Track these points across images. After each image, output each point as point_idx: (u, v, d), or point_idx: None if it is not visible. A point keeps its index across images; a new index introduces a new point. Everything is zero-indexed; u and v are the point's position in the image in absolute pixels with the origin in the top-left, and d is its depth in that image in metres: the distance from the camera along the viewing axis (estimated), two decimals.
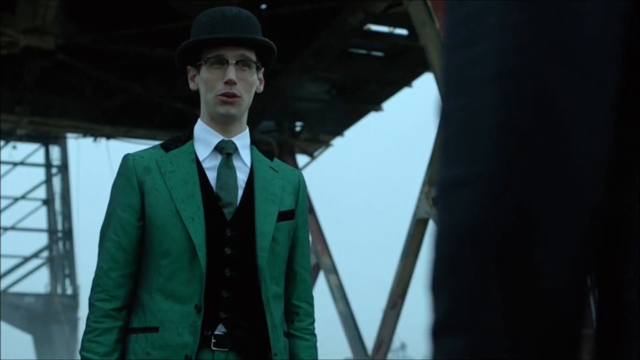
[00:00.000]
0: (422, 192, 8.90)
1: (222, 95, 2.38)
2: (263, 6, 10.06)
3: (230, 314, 2.33)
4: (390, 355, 10.65)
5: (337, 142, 12.85)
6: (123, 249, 2.36)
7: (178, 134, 2.55)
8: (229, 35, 2.37)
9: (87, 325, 2.36)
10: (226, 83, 2.37)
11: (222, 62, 2.39)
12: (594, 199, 0.72)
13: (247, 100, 2.42)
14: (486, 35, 0.72)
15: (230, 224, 2.37)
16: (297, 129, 12.58)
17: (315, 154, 12.79)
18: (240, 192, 2.41)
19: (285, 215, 2.44)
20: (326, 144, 12.79)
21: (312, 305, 2.55)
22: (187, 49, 2.43)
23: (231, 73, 2.37)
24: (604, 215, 0.73)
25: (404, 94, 11.67)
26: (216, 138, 2.44)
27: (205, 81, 2.41)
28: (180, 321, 2.29)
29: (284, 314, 2.46)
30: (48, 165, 27.59)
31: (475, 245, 0.70)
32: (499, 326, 0.69)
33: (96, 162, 18.81)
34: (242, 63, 2.39)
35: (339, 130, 12.60)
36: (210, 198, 2.37)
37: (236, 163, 2.44)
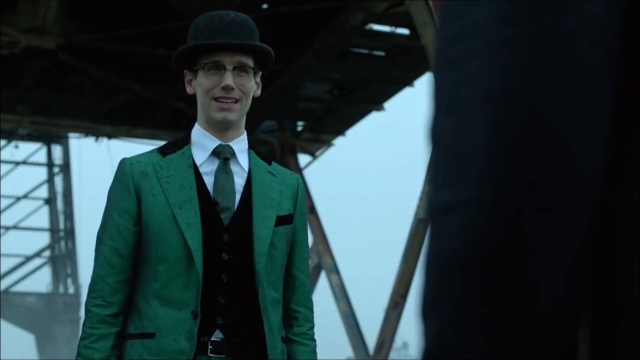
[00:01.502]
0: (423, 191, 8.88)
1: (220, 101, 2.37)
2: (264, 6, 10.06)
3: (227, 319, 2.31)
4: (392, 354, 10.65)
5: (338, 141, 12.87)
6: (119, 254, 2.35)
7: (176, 138, 2.54)
8: (226, 42, 2.35)
9: (83, 331, 2.35)
10: (223, 89, 2.36)
11: (220, 68, 2.37)
12: (588, 221, 0.70)
13: (245, 105, 2.41)
14: (475, 54, 0.70)
15: (227, 229, 2.35)
16: (299, 128, 12.58)
17: (317, 153, 12.80)
18: (237, 197, 2.39)
19: (283, 220, 2.42)
20: (328, 143, 12.80)
21: (311, 310, 2.53)
22: (184, 53, 2.41)
23: (228, 79, 2.35)
24: (601, 219, 0.72)
25: (405, 94, 11.66)
26: (213, 142, 2.42)
27: (202, 86, 2.39)
28: (177, 327, 2.28)
29: (283, 319, 2.44)
30: (50, 164, 27.63)
31: (462, 271, 0.69)
32: (486, 354, 0.68)
33: (98, 162, 18.85)
34: (240, 69, 2.38)
35: (340, 130, 12.61)
36: (207, 203, 2.35)
37: (234, 167, 2.43)
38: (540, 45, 0.69)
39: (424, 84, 11.15)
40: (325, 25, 9.85)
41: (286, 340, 2.43)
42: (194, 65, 2.40)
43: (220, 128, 2.41)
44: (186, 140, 2.45)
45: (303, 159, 12.62)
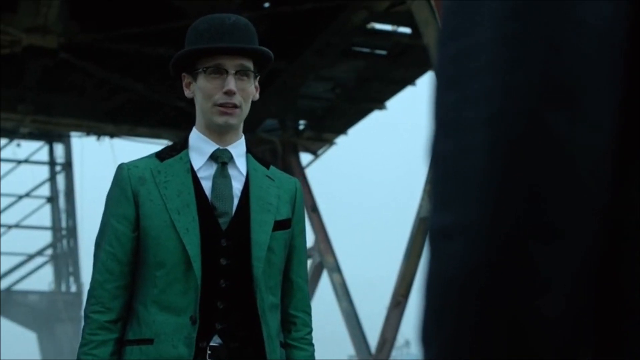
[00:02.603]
0: (425, 190, 8.87)
1: (221, 105, 2.35)
2: (266, 4, 10.05)
3: (226, 324, 2.31)
4: (394, 353, 10.67)
5: (340, 140, 12.85)
6: (118, 261, 2.34)
7: (174, 142, 2.53)
8: (230, 45, 2.33)
9: (83, 337, 2.34)
10: (226, 93, 2.34)
11: (221, 72, 2.35)
12: (593, 244, 0.69)
13: (245, 109, 2.40)
14: (476, 75, 0.69)
15: (225, 234, 2.35)
16: (301, 127, 12.57)
17: (319, 152, 12.79)
18: (235, 202, 2.38)
19: (281, 225, 2.41)
20: (330, 142, 12.79)
21: (309, 314, 2.52)
22: (184, 56, 2.39)
23: (231, 83, 2.34)
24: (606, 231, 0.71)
25: (407, 93, 11.64)
26: (211, 147, 2.41)
27: (203, 90, 2.37)
28: (175, 333, 2.27)
29: (281, 324, 2.43)
30: (52, 163, 27.61)
31: (460, 296, 0.68)
32: None
33: (100, 160, 18.82)
34: (241, 73, 2.36)
35: (342, 129, 12.60)
36: (205, 208, 2.34)
37: (231, 172, 2.41)
38: (541, 65, 0.68)
39: (425, 82, 11.14)
40: (326, 24, 9.84)
41: (284, 345, 2.43)
42: (194, 69, 2.39)
43: (220, 132, 2.40)
44: (184, 145, 2.44)
45: (305, 157, 12.61)
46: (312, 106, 12.10)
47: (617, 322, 0.73)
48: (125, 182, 2.35)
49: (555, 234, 0.67)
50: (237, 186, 2.40)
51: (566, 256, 0.68)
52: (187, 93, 2.45)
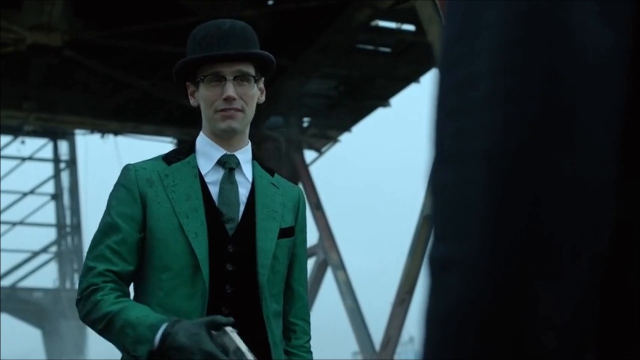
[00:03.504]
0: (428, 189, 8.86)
1: (222, 111, 2.35)
2: (270, 2, 10.05)
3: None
4: (398, 349, 10.66)
5: (344, 137, 12.85)
6: (121, 258, 2.32)
7: (180, 146, 2.52)
8: (223, 52, 2.33)
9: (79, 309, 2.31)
10: (225, 100, 2.34)
11: (220, 79, 2.34)
12: (595, 282, 0.68)
13: (248, 113, 2.39)
14: (476, 106, 0.68)
15: (232, 240, 2.34)
16: (305, 124, 12.57)
17: (323, 149, 12.79)
18: (241, 208, 2.38)
19: (285, 233, 2.41)
20: (334, 139, 12.79)
21: (308, 322, 2.54)
22: (183, 67, 2.39)
23: (229, 90, 2.33)
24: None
25: (411, 90, 11.64)
26: (219, 152, 2.40)
27: (204, 98, 2.37)
28: None
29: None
30: (56, 160, 27.63)
31: (459, 330, 0.68)
32: None
33: (104, 157, 18.84)
34: (240, 78, 2.35)
35: (346, 126, 12.60)
36: (212, 213, 2.34)
37: (238, 178, 2.41)
38: (540, 96, 0.67)
39: (429, 80, 11.12)
40: (331, 22, 9.84)
41: (284, 353, 2.44)
42: (195, 78, 2.39)
43: (226, 137, 2.39)
44: (191, 149, 2.43)
45: (309, 155, 12.62)
46: (316, 103, 12.10)
47: (629, 326, 0.72)
48: (133, 183, 2.34)
49: (555, 271, 0.67)
50: (243, 192, 2.40)
51: (566, 293, 0.67)
52: (192, 102, 2.44)
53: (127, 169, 2.38)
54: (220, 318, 2.15)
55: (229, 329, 2.11)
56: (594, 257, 0.68)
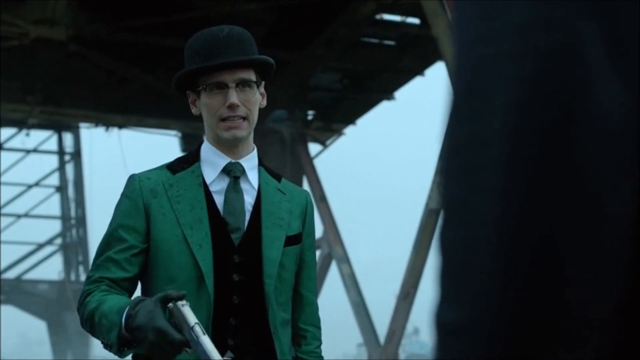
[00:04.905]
0: (434, 182, 8.86)
1: (227, 119, 2.33)
2: None
3: (239, 340, 2.28)
4: (403, 340, 10.68)
5: (349, 130, 12.84)
6: (122, 269, 2.30)
7: (184, 154, 2.50)
8: (224, 61, 2.30)
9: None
10: (229, 107, 2.32)
11: (222, 87, 2.32)
12: (605, 353, 0.67)
13: (252, 119, 2.37)
14: (485, 168, 0.66)
15: (237, 250, 2.33)
16: (309, 117, 12.56)
17: (328, 142, 12.78)
18: (247, 217, 2.36)
19: (292, 240, 2.39)
20: (339, 132, 12.78)
21: (319, 328, 2.51)
22: (184, 77, 2.38)
23: (232, 97, 2.31)
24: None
25: (416, 83, 11.64)
26: (223, 160, 2.38)
27: (207, 107, 2.35)
28: None
29: (291, 338, 2.43)
30: (61, 152, 27.65)
31: None
32: None
33: (109, 149, 18.84)
34: (242, 84, 2.33)
35: (351, 119, 12.59)
36: (217, 223, 2.32)
37: (243, 185, 2.39)
38: (545, 166, 0.65)
39: (434, 73, 11.11)
40: (335, 15, 9.82)
41: (294, 359, 2.42)
42: (196, 86, 2.37)
43: (230, 145, 2.37)
44: (195, 157, 2.42)
45: (314, 148, 12.61)
46: (321, 97, 12.09)
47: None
48: (137, 194, 2.33)
49: (562, 342, 0.65)
50: (249, 200, 2.38)
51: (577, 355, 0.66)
52: (194, 110, 2.42)
53: (131, 180, 2.37)
54: (171, 292, 2.10)
55: (180, 303, 2.08)
56: (604, 322, 0.67)
